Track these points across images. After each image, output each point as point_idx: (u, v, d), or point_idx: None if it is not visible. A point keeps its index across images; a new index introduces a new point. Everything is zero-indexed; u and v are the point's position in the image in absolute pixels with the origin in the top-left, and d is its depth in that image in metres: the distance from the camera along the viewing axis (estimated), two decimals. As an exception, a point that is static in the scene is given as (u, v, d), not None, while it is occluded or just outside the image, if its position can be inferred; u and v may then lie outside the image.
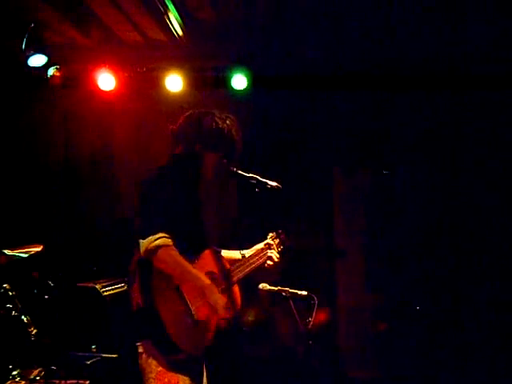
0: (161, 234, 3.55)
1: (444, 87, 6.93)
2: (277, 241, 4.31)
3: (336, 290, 7.39)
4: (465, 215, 7.06)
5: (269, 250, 4.21)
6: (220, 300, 3.74)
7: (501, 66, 6.68)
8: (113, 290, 6.19)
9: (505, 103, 6.85)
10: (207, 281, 3.73)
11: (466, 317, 6.92)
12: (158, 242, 3.54)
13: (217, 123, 3.91)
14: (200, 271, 3.74)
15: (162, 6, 5.71)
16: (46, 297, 5.87)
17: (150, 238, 3.54)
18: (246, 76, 6.75)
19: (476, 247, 6.97)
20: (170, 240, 3.57)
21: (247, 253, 4.23)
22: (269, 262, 4.18)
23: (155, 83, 6.85)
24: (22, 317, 4.87)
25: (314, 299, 4.08)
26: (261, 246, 4.26)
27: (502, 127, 6.93)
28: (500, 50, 6.55)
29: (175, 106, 6.57)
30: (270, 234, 4.33)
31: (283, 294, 4.11)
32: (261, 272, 4.22)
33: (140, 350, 3.67)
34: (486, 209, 6.98)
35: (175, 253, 3.59)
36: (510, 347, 6.71)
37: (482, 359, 6.72)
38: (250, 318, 6.44)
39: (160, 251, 3.54)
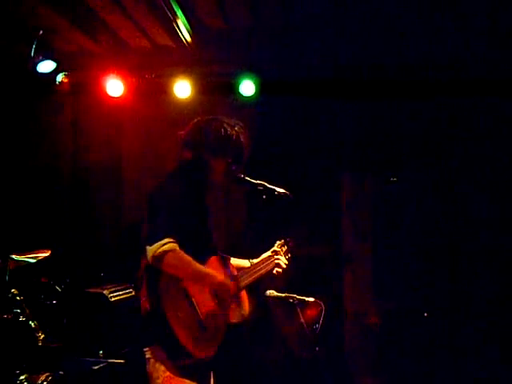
0: (167, 240, 3.56)
1: (450, 92, 6.94)
2: (285, 248, 4.31)
3: (343, 297, 7.39)
4: (473, 221, 7.06)
5: (276, 257, 4.21)
6: (232, 293, 3.80)
7: (503, 71, 6.68)
8: (120, 295, 6.20)
9: (507, 107, 6.86)
10: (221, 276, 3.77)
11: (474, 323, 6.91)
12: (164, 247, 3.54)
13: (225, 130, 3.92)
14: None
15: (171, 13, 5.72)
16: (54, 302, 5.88)
17: (157, 244, 3.54)
18: (254, 82, 6.76)
19: (480, 252, 6.97)
20: (176, 244, 3.58)
21: (255, 260, 4.24)
22: (277, 269, 4.18)
23: (163, 89, 6.87)
24: (30, 322, 4.87)
25: (321, 306, 4.08)
26: (268, 253, 4.26)
27: (504, 131, 6.93)
28: (502, 54, 6.55)
29: (183, 112, 6.59)
30: (278, 242, 4.33)
31: (290, 300, 4.11)
32: (268, 278, 4.22)
33: (148, 355, 3.67)
34: (491, 212, 6.98)
35: (183, 255, 3.60)
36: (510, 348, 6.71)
37: (491, 366, 6.71)
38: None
39: (167, 256, 3.54)
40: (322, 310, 4.07)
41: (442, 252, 7.08)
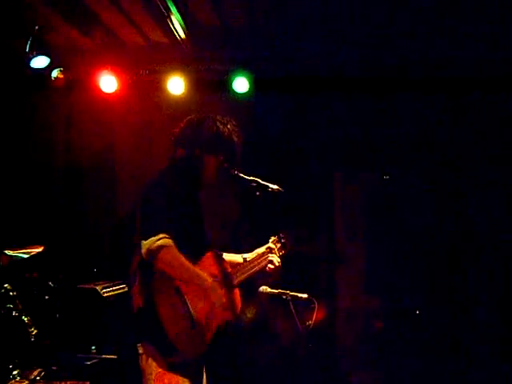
0: (162, 235, 3.57)
1: (444, 90, 6.95)
2: (278, 245, 4.33)
3: (336, 294, 7.40)
4: (464, 218, 7.08)
5: (270, 254, 4.23)
6: (222, 299, 3.78)
7: (501, 69, 6.69)
8: (113, 291, 6.21)
9: (503, 105, 6.87)
10: (210, 280, 3.76)
11: (465, 319, 6.94)
12: (159, 242, 3.55)
13: (218, 127, 3.94)
14: None
15: (165, 9, 5.72)
16: (47, 297, 5.88)
17: (152, 238, 3.56)
18: (248, 79, 6.76)
19: (476, 250, 6.99)
20: (171, 240, 3.59)
21: (249, 256, 4.25)
22: (270, 266, 4.20)
23: (157, 86, 6.87)
24: (23, 317, 4.89)
25: (314, 302, 4.09)
26: (262, 249, 4.28)
27: (501, 129, 6.95)
28: (499, 53, 6.57)
29: (177, 108, 6.60)
30: (272, 238, 4.35)
31: (284, 296, 4.11)
32: (262, 275, 4.24)
33: (140, 351, 3.68)
34: (485, 211, 7.00)
35: (177, 253, 3.61)
36: (509, 348, 6.73)
37: (481, 361, 6.74)
38: (248, 315, 6.44)
39: (162, 251, 3.56)
40: (315, 307, 4.08)
41: (435, 250, 7.09)
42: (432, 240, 7.11)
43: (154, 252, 3.56)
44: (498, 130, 6.98)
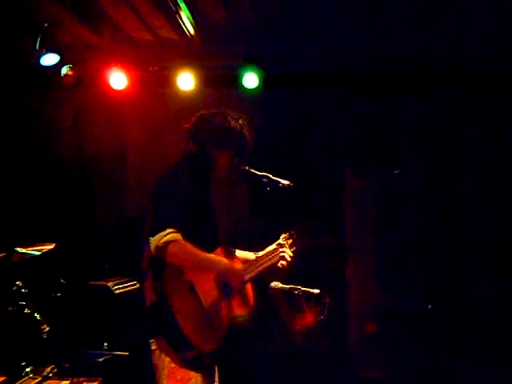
0: (169, 230, 3.56)
1: (449, 86, 6.94)
2: (290, 241, 4.33)
3: (346, 289, 7.39)
4: (471, 215, 7.07)
5: (281, 249, 4.23)
6: (243, 277, 3.84)
7: (504, 65, 6.68)
8: (125, 287, 6.23)
9: (507, 102, 6.86)
10: (226, 261, 3.80)
11: (474, 317, 6.92)
12: (167, 237, 3.55)
13: (229, 122, 3.93)
14: None
15: (174, 5, 5.73)
16: (59, 294, 5.90)
17: (160, 234, 3.55)
18: (258, 75, 6.75)
19: (483, 246, 6.98)
20: (179, 234, 3.58)
21: (260, 253, 4.25)
22: (282, 262, 4.21)
23: (167, 82, 6.87)
24: (35, 314, 4.88)
25: (325, 297, 4.09)
26: (273, 246, 4.29)
27: (504, 126, 6.94)
28: (502, 49, 6.55)
29: (187, 104, 6.60)
30: (283, 235, 4.35)
31: (295, 292, 4.12)
32: (273, 271, 4.23)
33: (153, 346, 3.69)
34: (490, 208, 6.99)
35: (186, 244, 3.60)
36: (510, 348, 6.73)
37: (490, 360, 6.73)
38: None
39: (170, 246, 3.55)
40: (326, 302, 4.08)
41: (445, 245, 7.08)
42: (440, 234, 7.11)
43: (162, 248, 3.55)
44: (503, 129, 6.97)
